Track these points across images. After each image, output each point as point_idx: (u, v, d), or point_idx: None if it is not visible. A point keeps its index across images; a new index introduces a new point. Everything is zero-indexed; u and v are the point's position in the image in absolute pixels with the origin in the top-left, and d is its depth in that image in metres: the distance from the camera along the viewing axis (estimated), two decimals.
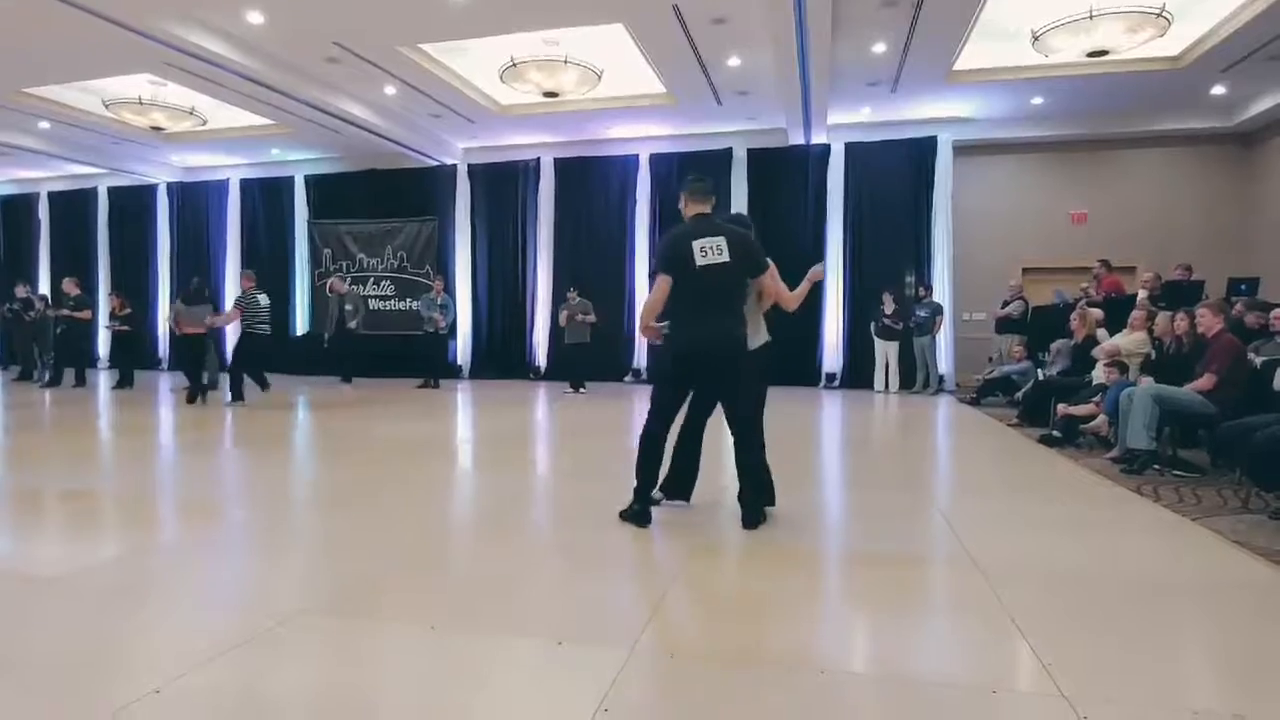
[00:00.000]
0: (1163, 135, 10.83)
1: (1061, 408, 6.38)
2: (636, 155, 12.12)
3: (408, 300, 13.04)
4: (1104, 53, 7.92)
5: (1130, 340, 6.52)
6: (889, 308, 10.49)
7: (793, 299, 3.89)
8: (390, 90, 10.01)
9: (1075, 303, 8.72)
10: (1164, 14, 7.20)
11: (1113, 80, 9.29)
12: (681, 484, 3.87)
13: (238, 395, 8.79)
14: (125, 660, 2.20)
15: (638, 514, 3.57)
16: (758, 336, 3.78)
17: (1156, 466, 4.93)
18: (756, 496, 3.57)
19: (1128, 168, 11.17)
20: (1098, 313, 7.75)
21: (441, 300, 11.44)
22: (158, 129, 11.14)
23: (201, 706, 1.90)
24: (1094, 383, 6.39)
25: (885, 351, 10.66)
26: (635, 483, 3.59)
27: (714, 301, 3.50)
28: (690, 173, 3.91)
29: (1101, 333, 7.25)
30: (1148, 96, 9.90)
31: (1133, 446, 4.99)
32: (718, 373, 3.56)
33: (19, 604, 2.60)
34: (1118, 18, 7.32)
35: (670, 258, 3.50)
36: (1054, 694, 1.96)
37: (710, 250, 3.44)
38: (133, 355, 11.45)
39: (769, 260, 3.73)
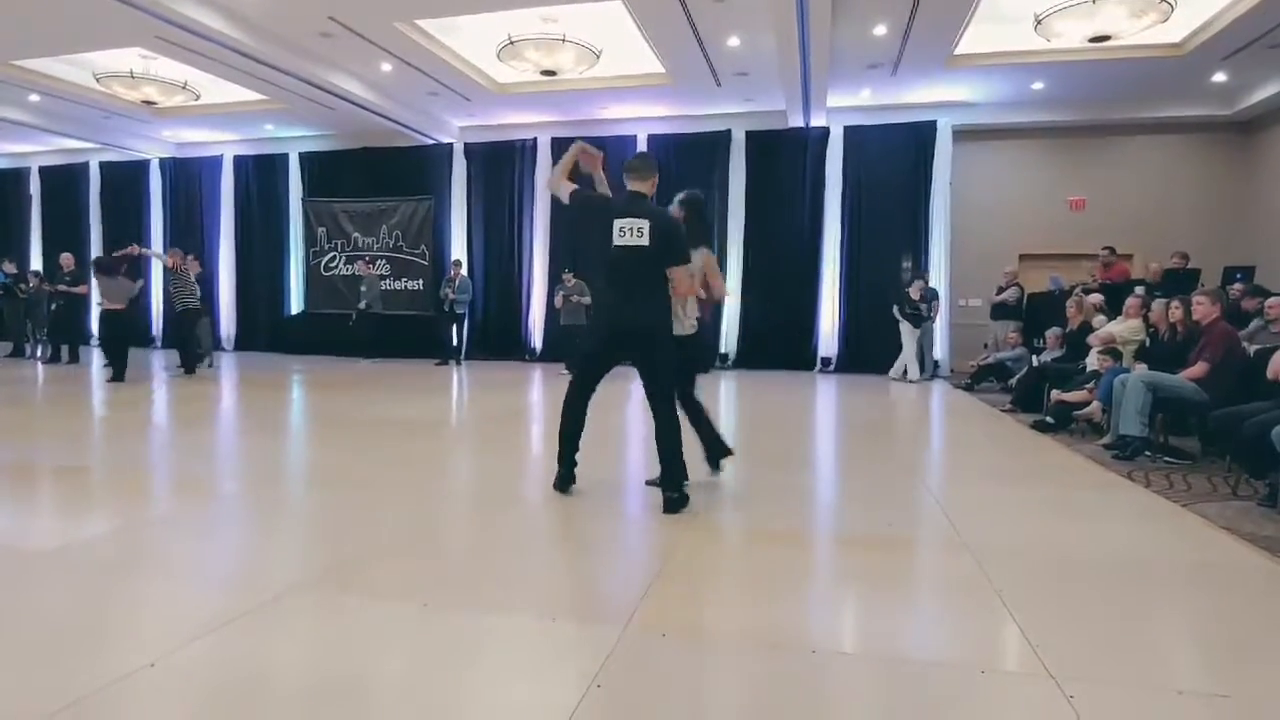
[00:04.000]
0: (1163, 122, 10.79)
1: (1055, 394, 6.41)
2: (634, 136, 12.02)
3: (404, 280, 13.02)
4: (1106, 38, 7.88)
5: (1125, 327, 6.54)
6: (916, 294, 10.43)
7: (720, 290, 4.07)
8: (386, 67, 9.89)
9: (1071, 289, 8.73)
10: (1167, 0, 7.16)
11: (1114, 66, 9.23)
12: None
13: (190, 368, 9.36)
14: (119, 634, 2.20)
15: (560, 478, 3.77)
16: (679, 325, 3.81)
17: (1148, 453, 4.97)
18: (670, 478, 3.55)
19: (1127, 154, 11.14)
20: (1096, 298, 7.76)
21: (462, 283, 11.68)
22: (150, 103, 11.00)
23: (195, 680, 1.91)
24: (1088, 369, 6.42)
25: (911, 337, 10.57)
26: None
27: (623, 283, 3.52)
28: (636, 154, 3.90)
29: (1099, 319, 7.26)
30: (1149, 83, 9.85)
31: (1125, 433, 5.02)
32: (629, 352, 3.67)
33: (12, 577, 2.60)
34: (1121, 3, 7.27)
35: (589, 211, 3.60)
36: (1041, 674, 1.98)
37: (629, 231, 3.45)
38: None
39: (704, 251, 3.84)
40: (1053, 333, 8.16)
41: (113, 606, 2.40)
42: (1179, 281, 7.97)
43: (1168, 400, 5.01)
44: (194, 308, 9.73)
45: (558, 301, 10.73)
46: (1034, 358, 8.50)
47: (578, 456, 3.83)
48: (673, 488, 3.54)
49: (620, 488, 4.26)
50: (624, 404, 7.67)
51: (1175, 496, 4.00)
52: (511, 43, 8.62)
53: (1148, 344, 6.27)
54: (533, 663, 2.08)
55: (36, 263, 14.33)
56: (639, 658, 2.06)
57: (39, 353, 11.28)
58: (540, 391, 8.86)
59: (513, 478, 4.47)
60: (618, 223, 3.46)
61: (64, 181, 15.06)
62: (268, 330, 13.84)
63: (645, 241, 3.44)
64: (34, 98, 11.34)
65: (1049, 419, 6.25)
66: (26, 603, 2.40)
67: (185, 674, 1.93)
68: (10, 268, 12.41)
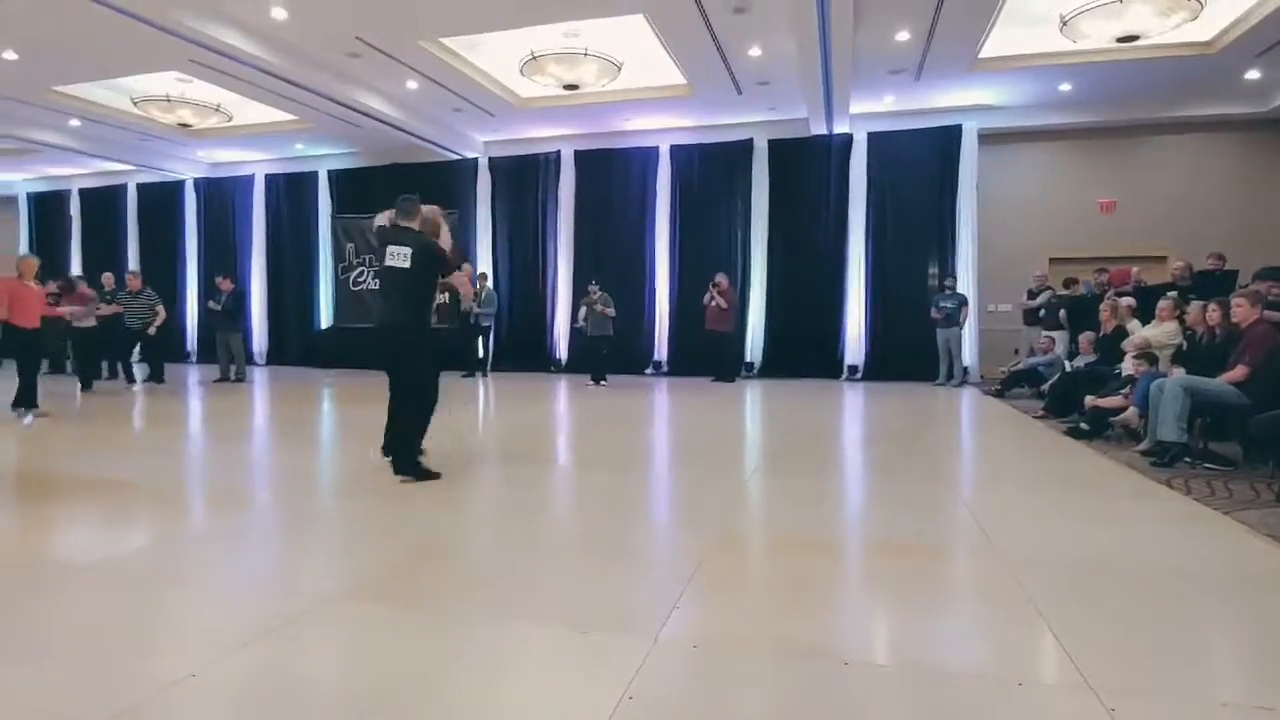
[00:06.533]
0: (1194, 121, 10.59)
1: (1090, 399, 6.29)
2: (656, 147, 12.09)
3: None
4: (1134, 38, 7.77)
5: (1160, 331, 6.41)
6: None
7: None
8: (411, 84, 10.07)
9: (1103, 293, 8.58)
10: None
11: (1143, 65, 9.09)
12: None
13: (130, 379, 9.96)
14: (162, 645, 2.25)
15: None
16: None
17: (1187, 459, 4.85)
18: (397, 448, 4.41)
19: (1158, 155, 10.95)
20: (1129, 301, 7.62)
21: (487, 295, 11.71)
22: (185, 125, 11.31)
23: (235, 690, 1.95)
24: (1123, 374, 6.29)
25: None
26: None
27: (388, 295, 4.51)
28: (406, 192, 4.66)
29: (1133, 324, 7.13)
30: (1179, 82, 9.68)
31: (1163, 439, 4.91)
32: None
33: (58, 589, 2.67)
34: (1149, 2, 7.17)
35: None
36: (1081, 686, 1.94)
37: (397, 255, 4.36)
38: (163, 348, 11.69)
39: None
40: (1085, 337, 8.02)
41: (154, 618, 2.46)
42: (1215, 283, 7.78)
43: (1207, 405, 4.90)
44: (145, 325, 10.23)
45: (580, 316, 10.83)
46: (1067, 363, 8.35)
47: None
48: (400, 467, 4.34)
49: (648, 497, 4.26)
50: (649, 421, 7.71)
51: (1216, 504, 3.90)
52: (534, 58, 8.73)
53: (1184, 347, 6.13)
54: (565, 674, 2.09)
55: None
56: (671, 669, 2.06)
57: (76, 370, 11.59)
58: (565, 403, 8.90)
59: (541, 486, 4.49)
60: (389, 248, 4.41)
61: (103, 203, 15.53)
62: (298, 344, 14.09)
63: (407, 264, 4.35)
64: (74, 122, 11.71)
65: (1084, 425, 6.13)
66: (91, 609, 2.47)
67: (226, 684, 1.97)
68: (54, 288, 12.76)
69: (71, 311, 9.24)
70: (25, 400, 7.10)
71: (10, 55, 8.83)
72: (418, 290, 4.43)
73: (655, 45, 8.78)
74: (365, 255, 13.59)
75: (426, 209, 4.67)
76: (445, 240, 4.71)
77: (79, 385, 9.54)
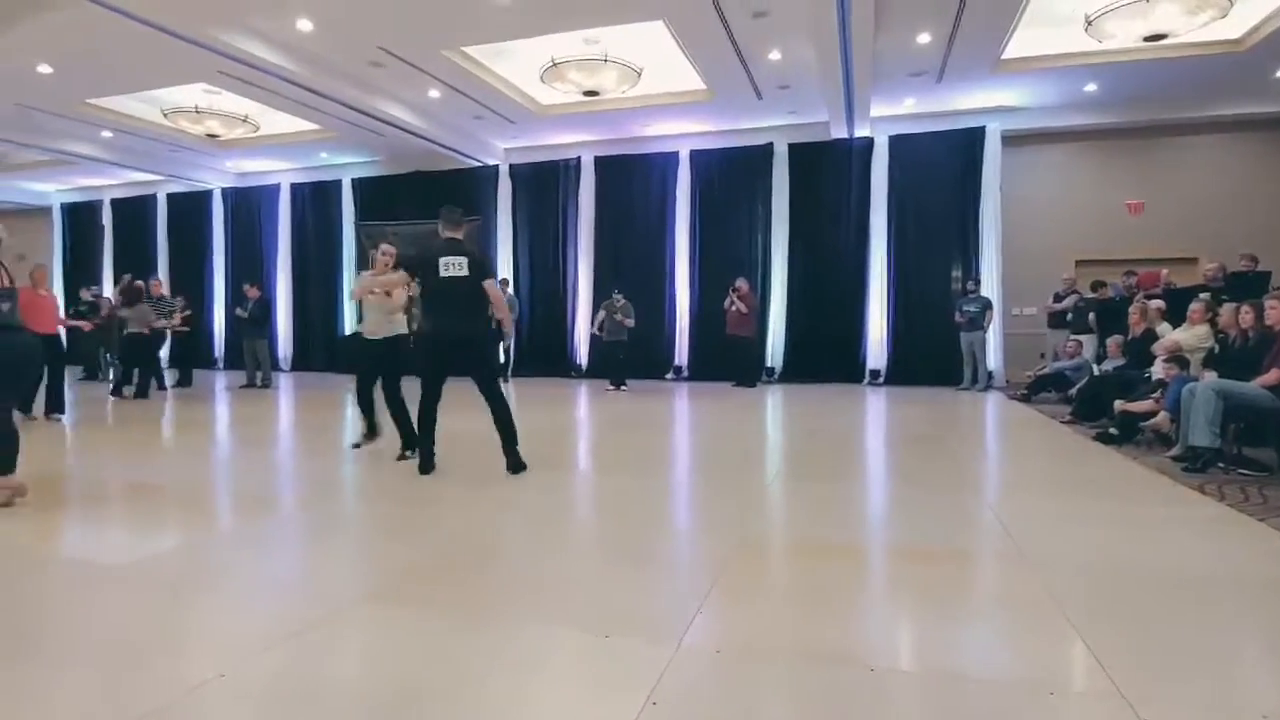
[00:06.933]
0: (1224, 121, 10.40)
1: (1119, 404, 6.18)
2: (676, 152, 12.10)
3: None
4: (1161, 37, 7.65)
5: (1191, 334, 6.29)
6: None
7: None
8: (433, 93, 10.18)
9: (1132, 295, 8.44)
10: None
11: (1170, 65, 8.95)
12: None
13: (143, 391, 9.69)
14: (191, 646, 2.29)
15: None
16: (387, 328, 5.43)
17: (1221, 465, 4.76)
18: (509, 443, 4.75)
19: (1187, 155, 10.76)
20: (1159, 304, 7.49)
21: (508, 301, 11.79)
22: (213, 136, 11.53)
23: (264, 691, 1.97)
24: (1153, 378, 6.18)
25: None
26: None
27: (453, 305, 4.69)
28: (445, 204, 4.90)
29: (1163, 327, 7.00)
30: (1208, 81, 9.51)
31: (1195, 444, 4.81)
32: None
33: (90, 590, 2.72)
34: (1176, 0, 7.05)
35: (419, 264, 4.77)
36: (1114, 695, 1.91)
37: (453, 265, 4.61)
38: (192, 354, 11.93)
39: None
40: (1114, 340, 7.89)
41: (184, 619, 2.49)
42: (1248, 285, 7.62)
43: (1240, 409, 4.80)
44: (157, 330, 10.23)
45: (595, 322, 10.91)
46: (1095, 367, 8.21)
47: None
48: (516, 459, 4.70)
49: (669, 502, 4.26)
50: (669, 426, 7.69)
51: (1251, 510, 3.81)
52: (554, 65, 8.78)
53: (1216, 350, 6.01)
54: (588, 679, 2.09)
55: (108, 290, 15.05)
56: (694, 675, 2.05)
57: (111, 376, 11.82)
58: (586, 408, 8.92)
59: (563, 491, 4.50)
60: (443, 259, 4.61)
61: (134, 212, 15.87)
62: (323, 350, 14.26)
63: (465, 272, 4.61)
64: (106, 134, 11.98)
65: (1113, 430, 6.03)
66: (122, 609, 2.52)
67: (254, 685, 2.00)
68: (88, 294, 13.07)
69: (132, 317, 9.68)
70: (57, 404, 7.40)
71: (45, 69, 9.06)
72: (479, 298, 4.70)
73: (675, 51, 8.80)
74: None
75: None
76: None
77: (123, 388, 9.68)
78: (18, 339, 3.93)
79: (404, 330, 5.57)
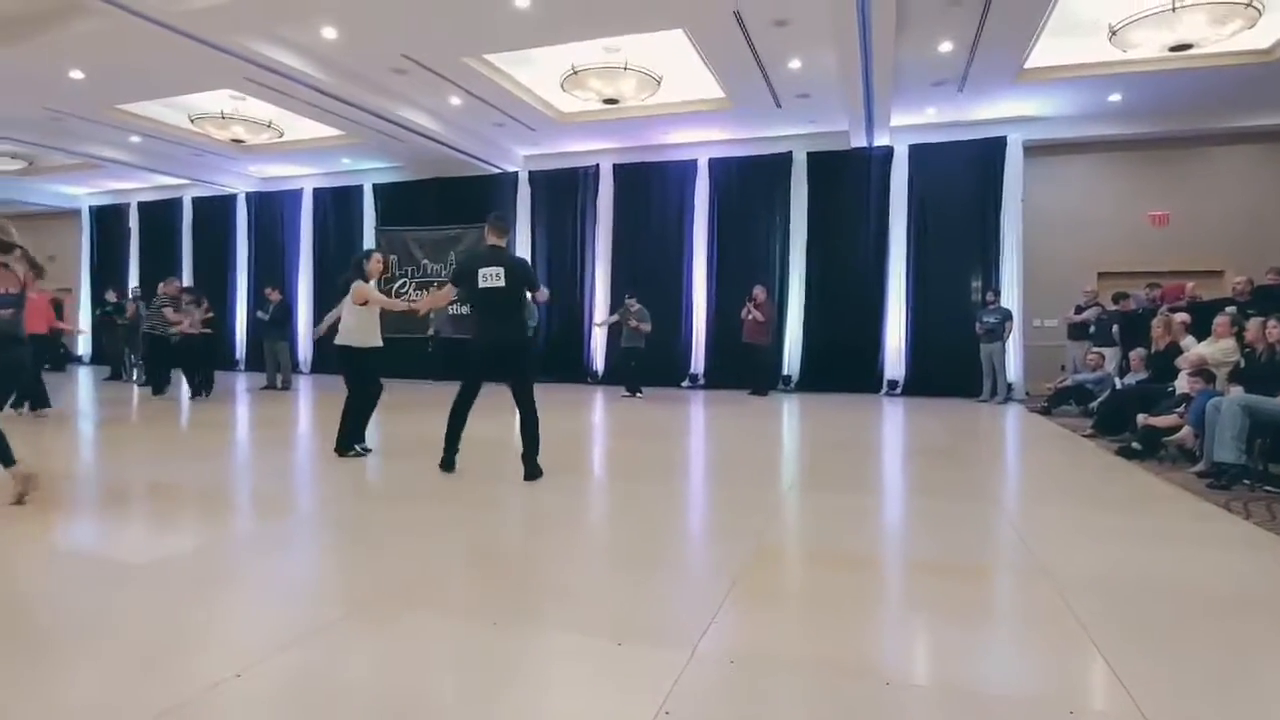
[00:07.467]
0: (1250, 131, 10.25)
1: (1142, 418, 6.09)
2: (695, 160, 12.12)
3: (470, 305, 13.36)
4: (1188, 46, 7.55)
5: (1216, 348, 6.18)
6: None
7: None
8: (455, 100, 10.28)
9: (1155, 308, 8.32)
10: (1253, 4, 6.83)
11: (1197, 75, 8.84)
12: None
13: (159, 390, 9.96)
14: (209, 645, 2.31)
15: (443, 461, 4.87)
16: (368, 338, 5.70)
17: (1246, 481, 4.67)
18: (530, 452, 4.75)
19: (1212, 166, 10.61)
20: (1184, 317, 7.38)
21: (527, 307, 11.84)
22: (238, 141, 11.71)
23: (278, 691, 1.99)
24: (1177, 392, 6.09)
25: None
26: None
27: (493, 315, 4.76)
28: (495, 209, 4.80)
29: (1188, 340, 6.89)
30: (1235, 91, 9.38)
31: (1220, 460, 4.73)
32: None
33: (110, 587, 2.76)
34: (1203, 9, 6.97)
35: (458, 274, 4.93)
36: (1136, 716, 1.87)
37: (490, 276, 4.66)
38: (214, 356, 12.04)
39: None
40: (1136, 354, 7.78)
41: (202, 618, 2.52)
42: (1275, 298, 7.48)
43: (1267, 424, 4.71)
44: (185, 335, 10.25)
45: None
46: (1117, 380, 8.10)
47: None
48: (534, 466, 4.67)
49: (685, 510, 4.24)
50: (685, 433, 7.67)
51: (1277, 528, 3.74)
52: (575, 72, 8.84)
53: (1242, 364, 5.91)
54: (601, 686, 2.08)
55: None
56: (708, 684, 2.04)
57: (135, 376, 12.01)
58: (602, 415, 8.92)
59: (579, 497, 4.50)
60: (481, 270, 4.69)
61: (160, 215, 16.16)
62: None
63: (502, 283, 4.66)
64: (134, 139, 12.21)
65: (1135, 444, 5.94)
66: (140, 608, 2.55)
67: (270, 685, 2.01)
68: (113, 296, 13.29)
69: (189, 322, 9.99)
70: (40, 400, 7.69)
71: (77, 75, 9.26)
72: (519, 307, 4.81)
73: (695, 59, 8.83)
74: (408, 267, 13.87)
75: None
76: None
77: (201, 390, 9.80)
78: (12, 354, 3.88)
79: (379, 343, 5.86)
